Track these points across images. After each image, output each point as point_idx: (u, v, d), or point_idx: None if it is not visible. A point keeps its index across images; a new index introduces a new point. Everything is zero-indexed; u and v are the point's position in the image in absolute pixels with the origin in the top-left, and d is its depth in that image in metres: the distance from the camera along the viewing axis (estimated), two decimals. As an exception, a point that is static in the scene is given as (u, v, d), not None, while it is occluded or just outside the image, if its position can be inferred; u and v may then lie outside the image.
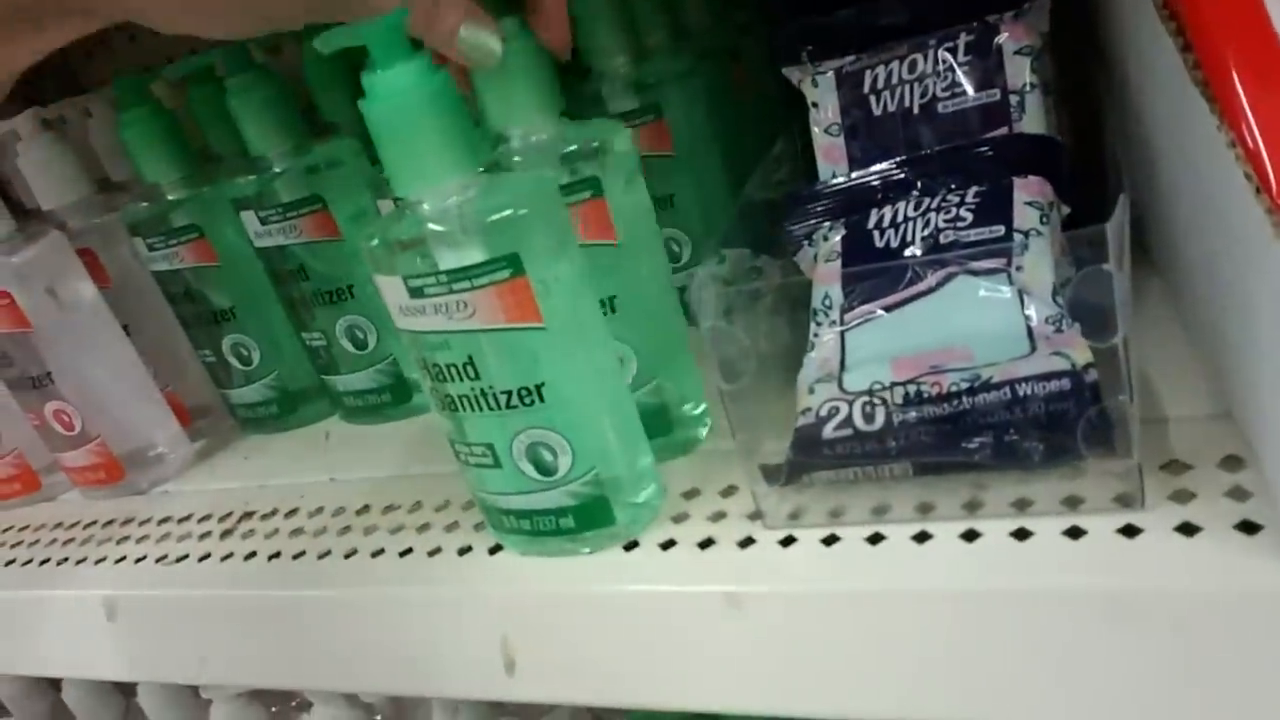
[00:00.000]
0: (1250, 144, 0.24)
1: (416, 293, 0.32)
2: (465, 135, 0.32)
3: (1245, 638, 0.25)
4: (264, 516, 0.47)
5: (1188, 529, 0.27)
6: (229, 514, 0.48)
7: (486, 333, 0.32)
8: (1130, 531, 0.28)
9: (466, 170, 0.32)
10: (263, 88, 0.48)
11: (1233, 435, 0.30)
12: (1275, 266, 0.23)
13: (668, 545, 0.34)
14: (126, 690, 0.76)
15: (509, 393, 0.32)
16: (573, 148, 0.35)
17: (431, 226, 0.31)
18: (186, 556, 0.46)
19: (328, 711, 0.59)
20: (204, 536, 0.47)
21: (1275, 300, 0.23)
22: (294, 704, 0.71)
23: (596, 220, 0.35)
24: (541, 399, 0.32)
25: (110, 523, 0.52)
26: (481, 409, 0.33)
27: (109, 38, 0.81)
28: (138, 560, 0.47)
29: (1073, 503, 0.29)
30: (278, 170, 0.49)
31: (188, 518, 0.50)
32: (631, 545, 0.35)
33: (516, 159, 0.36)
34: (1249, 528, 0.27)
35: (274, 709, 0.70)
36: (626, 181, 0.36)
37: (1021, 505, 0.30)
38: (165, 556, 0.46)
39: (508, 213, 0.31)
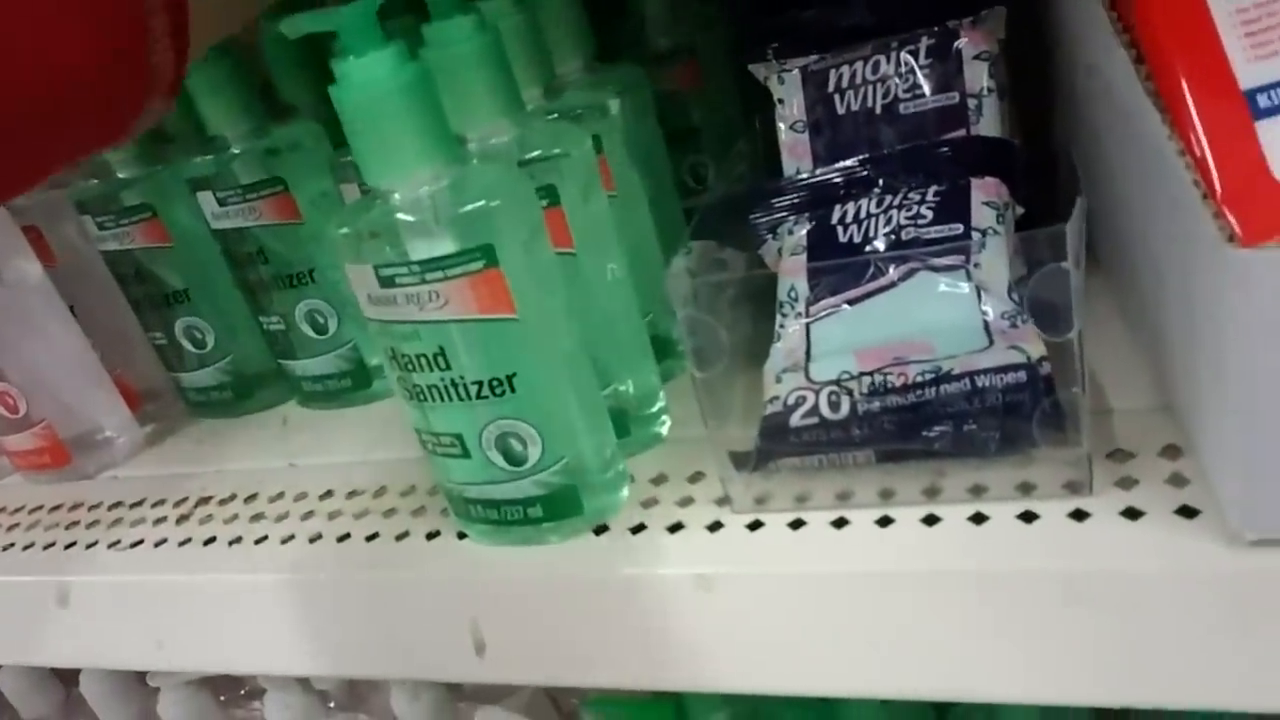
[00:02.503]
0: (1198, 152, 0.25)
1: (387, 282, 0.32)
2: (438, 125, 0.31)
3: (1185, 614, 0.27)
4: (222, 502, 0.46)
5: (1132, 513, 0.29)
6: (184, 499, 0.48)
7: (458, 323, 0.32)
8: (1079, 515, 0.29)
9: (439, 160, 0.31)
10: (222, 66, 0.47)
11: (1172, 426, 0.32)
12: (1215, 269, 0.24)
13: (637, 529, 0.35)
14: (67, 680, 0.75)
15: (480, 383, 0.33)
16: (530, 154, 0.35)
17: (402, 216, 0.31)
18: (141, 542, 0.45)
19: (281, 697, 0.59)
20: (159, 522, 0.46)
21: (1214, 301, 0.25)
22: (243, 691, 0.70)
23: (553, 229, 0.34)
24: (512, 389, 0.33)
25: (58, 508, 0.51)
26: (451, 399, 0.33)
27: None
28: (89, 546, 0.46)
29: (1026, 489, 0.31)
30: (236, 151, 0.48)
31: (140, 503, 0.49)
32: (601, 529, 0.35)
33: (473, 163, 0.35)
34: (1188, 512, 0.28)
35: (222, 697, 0.69)
36: (584, 188, 0.36)
37: (978, 491, 0.31)
38: (119, 542, 0.46)
39: (481, 203, 0.31)
